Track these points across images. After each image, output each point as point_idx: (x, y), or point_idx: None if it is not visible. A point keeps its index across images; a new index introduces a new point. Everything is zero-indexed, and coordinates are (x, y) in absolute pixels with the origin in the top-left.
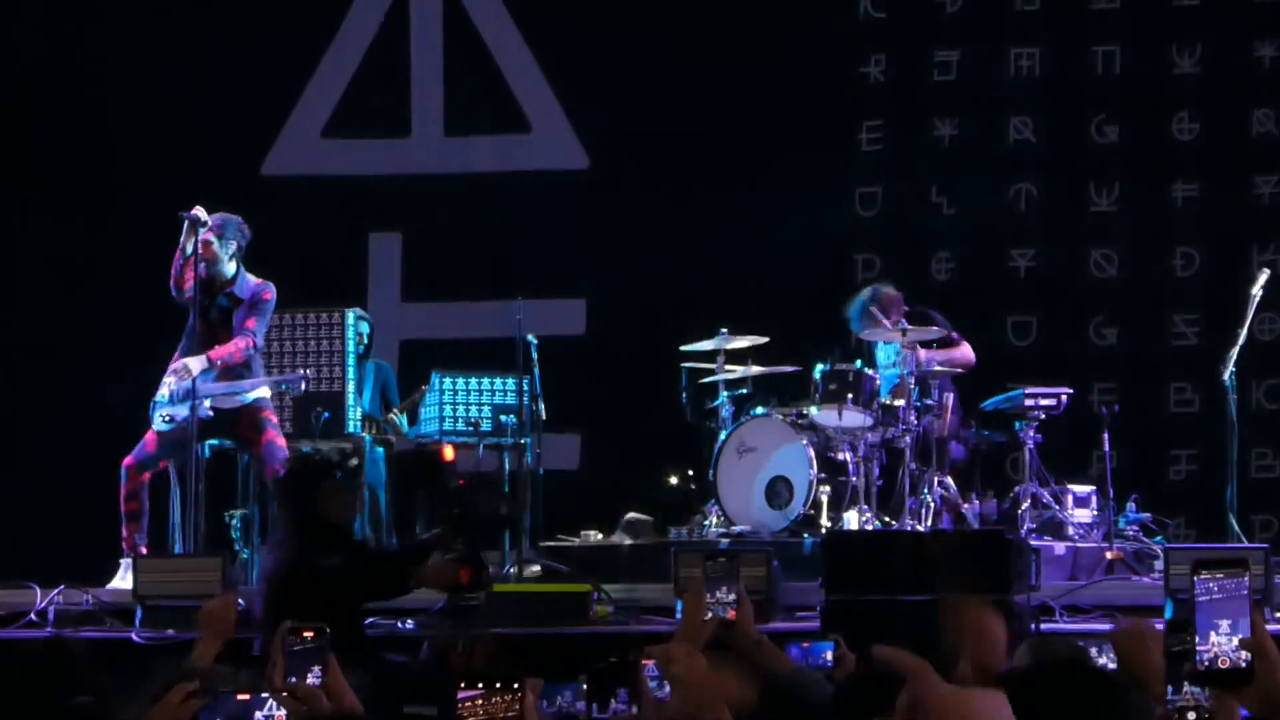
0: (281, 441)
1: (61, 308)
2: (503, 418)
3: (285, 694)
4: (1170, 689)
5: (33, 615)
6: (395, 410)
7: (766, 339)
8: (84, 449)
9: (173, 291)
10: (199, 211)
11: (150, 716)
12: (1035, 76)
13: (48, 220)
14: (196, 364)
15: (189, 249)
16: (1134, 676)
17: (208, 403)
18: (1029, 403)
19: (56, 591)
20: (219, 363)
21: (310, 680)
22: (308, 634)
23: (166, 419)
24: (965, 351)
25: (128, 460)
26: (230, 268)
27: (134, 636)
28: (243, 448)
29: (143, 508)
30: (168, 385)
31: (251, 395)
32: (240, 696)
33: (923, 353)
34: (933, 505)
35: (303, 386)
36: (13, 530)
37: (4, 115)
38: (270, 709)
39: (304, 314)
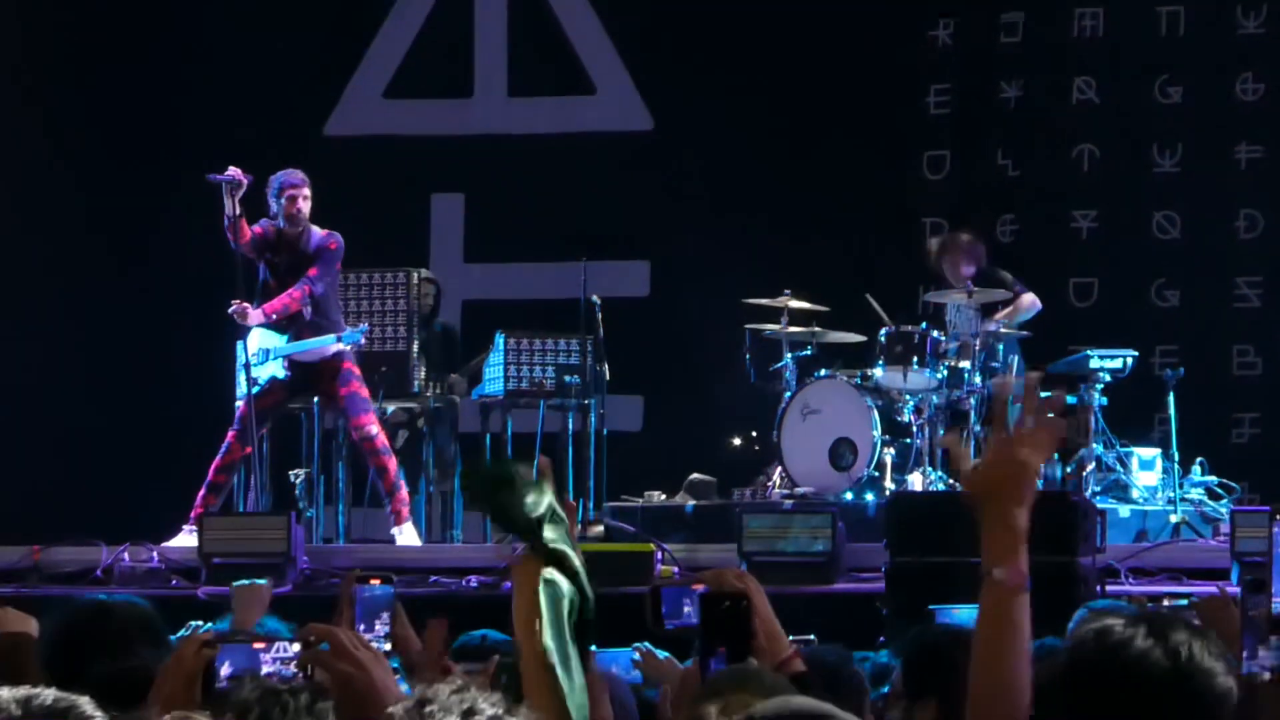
0: (365, 393)
1: (125, 269)
2: (567, 378)
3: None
4: (1245, 654)
5: (99, 572)
6: (459, 372)
7: (827, 309)
8: (147, 407)
9: (237, 253)
10: (235, 172)
11: (165, 668)
12: (1099, 37)
13: (109, 181)
14: (256, 315)
15: (236, 210)
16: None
17: (283, 363)
18: (1095, 365)
19: (122, 549)
20: (274, 315)
21: (378, 628)
22: (375, 581)
23: (253, 384)
24: (1029, 300)
25: (231, 434)
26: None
27: (199, 594)
28: (325, 403)
29: (229, 482)
30: (248, 347)
31: (331, 350)
32: (254, 645)
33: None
34: None
35: (361, 340)
36: (79, 488)
37: (65, 79)
38: (281, 650)
39: (368, 274)
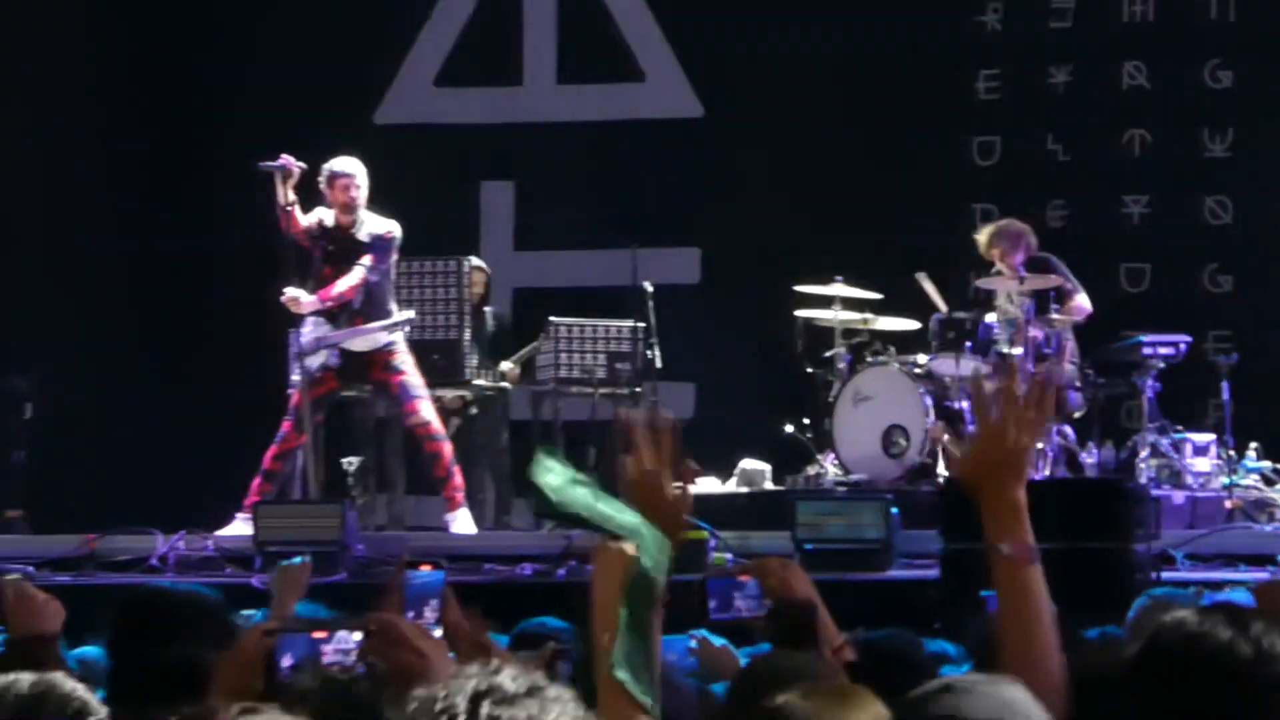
0: (418, 379)
1: (175, 258)
2: (618, 366)
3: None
4: None
5: (154, 561)
6: (512, 360)
7: (881, 295)
8: (201, 396)
9: (288, 240)
10: (287, 160)
11: (226, 657)
12: (1149, 21)
13: (159, 170)
14: (310, 302)
15: (289, 197)
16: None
17: (335, 351)
18: (1148, 351)
19: (177, 537)
20: (328, 303)
21: (428, 614)
22: (425, 567)
23: (306, 372)
24: (1081, 302)
25: (287, 424)
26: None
27: (254, 582)
28: (378, 391)
29: (284, 470)
30: (301, 335)
31: (383, 339)
32: (315, 635)
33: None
34: (1050, 454)
35: (408, 329)
36: (134, 476)
37: (115, 64)
38: (342, 642)
39: (419, 262)
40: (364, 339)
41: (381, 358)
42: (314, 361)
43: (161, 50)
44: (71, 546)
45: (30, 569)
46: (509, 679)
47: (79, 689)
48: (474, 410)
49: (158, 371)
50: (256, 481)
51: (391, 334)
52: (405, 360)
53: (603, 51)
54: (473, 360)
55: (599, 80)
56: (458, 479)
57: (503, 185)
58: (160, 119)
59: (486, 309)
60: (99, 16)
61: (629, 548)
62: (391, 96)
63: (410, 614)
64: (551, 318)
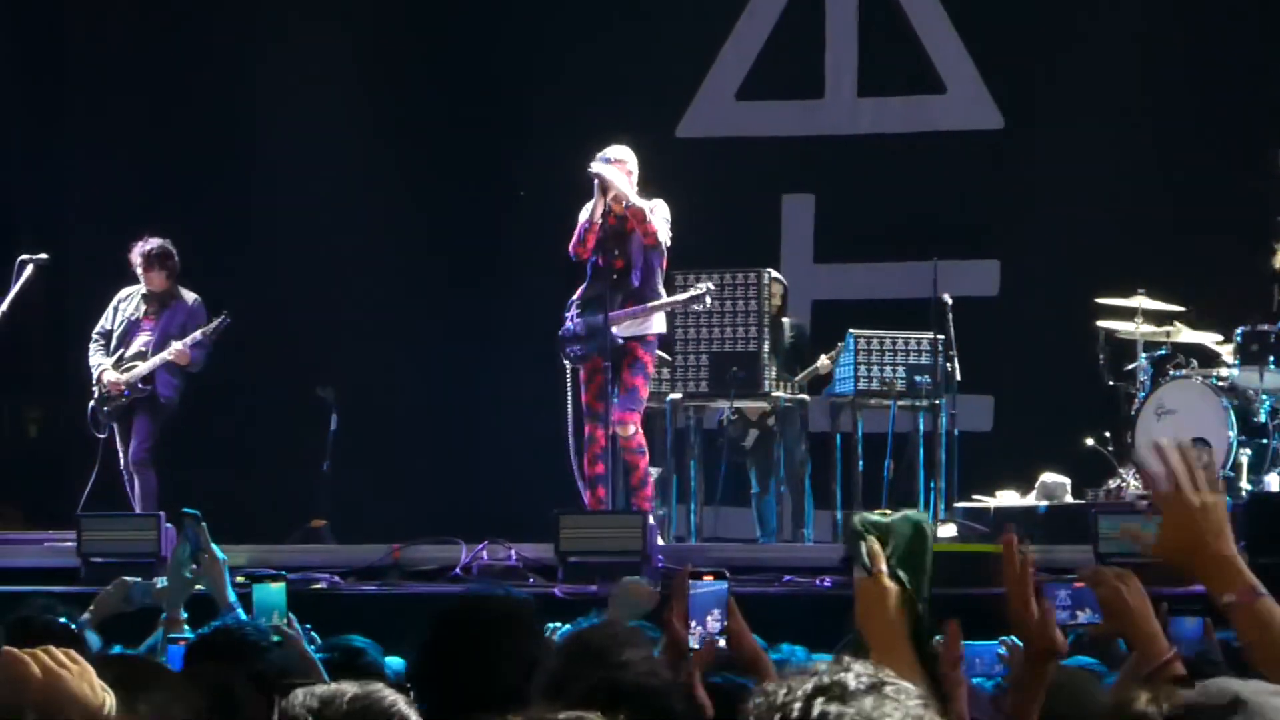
0: (645, 391)
1: (474, 266)
2: (917, 378)
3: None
4: None
5: (458, 570)
6: (827, 356)
7: (1184, 308)
8: (499, 407)
9: (572, 256)
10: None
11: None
12: None
13: (462, 183)
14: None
15: (597, 213)
16: None
17: (614, 329)
18: None
19: (481, 546)
20: (636, 218)
21: (710, 624)
22: (708, 578)
23: (575, 354)
24: None
25: (588, 427)
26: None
27: (557, 592)
28: (613, 379)
29: (607, 471)
30: (569, 319)
31: (639, 329)
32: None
33: None
34: None
35: (709, 301)
36: (438, 486)
37: (427, 74)
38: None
39: (719, 274)
40: (629, 321)
41: (630, 350)
42: (590, 344)
43: (470, 64)
44: (376, 556)
45: (337, 579)
46: (853, 675)
47: (399, 701)
48: (772, 421)
49: (457, 383)
50: (601, 491)
51: (643, 325)
52: (644, 367)
53: (904, 64)
54: (771, 372)
55: (900, 92)
56: (648, 490)
57: (803, 198)
58: (465, 134)
59: (784, 320)
60: (413, 30)
61: (890, 581)
62: (694, 110)
63: (693, 623)
64: (851, 330)
